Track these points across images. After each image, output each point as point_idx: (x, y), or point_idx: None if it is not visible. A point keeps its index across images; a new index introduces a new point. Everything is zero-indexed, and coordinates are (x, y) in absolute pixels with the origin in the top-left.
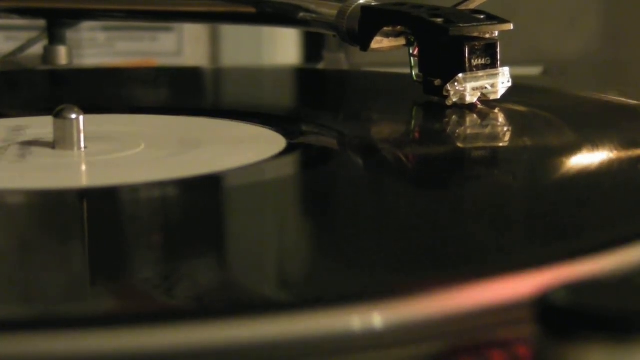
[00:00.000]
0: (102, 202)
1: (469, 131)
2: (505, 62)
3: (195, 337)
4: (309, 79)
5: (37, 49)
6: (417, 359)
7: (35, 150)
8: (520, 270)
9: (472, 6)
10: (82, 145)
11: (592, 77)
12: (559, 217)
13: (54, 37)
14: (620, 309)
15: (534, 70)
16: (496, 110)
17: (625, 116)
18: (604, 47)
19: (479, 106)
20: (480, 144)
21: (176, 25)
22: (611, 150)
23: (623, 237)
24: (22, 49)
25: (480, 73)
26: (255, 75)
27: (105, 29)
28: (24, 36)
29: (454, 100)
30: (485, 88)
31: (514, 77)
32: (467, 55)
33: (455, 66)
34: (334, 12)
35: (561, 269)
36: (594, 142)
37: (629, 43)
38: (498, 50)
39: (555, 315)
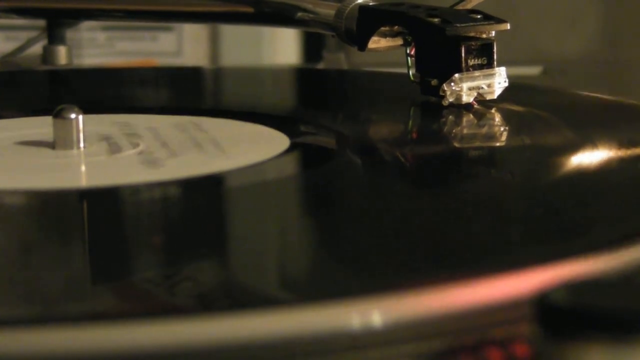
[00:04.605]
0: (102, 202)
1: (465, 131)
2: (504, 62)
3: (195, 335)
4: (309, 79)
5: (37, 49)
6: (417, 357)
7: (35, 150)
8: (520, 269)
9: (469, 6)
10: (82, 145)
11: (592, 77)
12: (559, 217)
13: (54, 37)
14: (620, 309)
15: (533, 70)
16: (492, 110)
17: (625, 116)
18: (604, 47)
19: (476, 106)
20: (477, 144)
21: (176, 25)
22: (611, 150)
23: (623, 237)
24: (22, 49)
25: (477, 73)
26: (255, 75)
27: (105, 29)
28: (24, 36)
29: (450, 100)
30: (482, 88)
31: (513, 77)
32: (463, 55)
33: (451, 66)
34: (332, 12)
35: (561, 268)
36: (593, 142)
37: (629, 43)
38: (495, 50)
39: (555, 315)
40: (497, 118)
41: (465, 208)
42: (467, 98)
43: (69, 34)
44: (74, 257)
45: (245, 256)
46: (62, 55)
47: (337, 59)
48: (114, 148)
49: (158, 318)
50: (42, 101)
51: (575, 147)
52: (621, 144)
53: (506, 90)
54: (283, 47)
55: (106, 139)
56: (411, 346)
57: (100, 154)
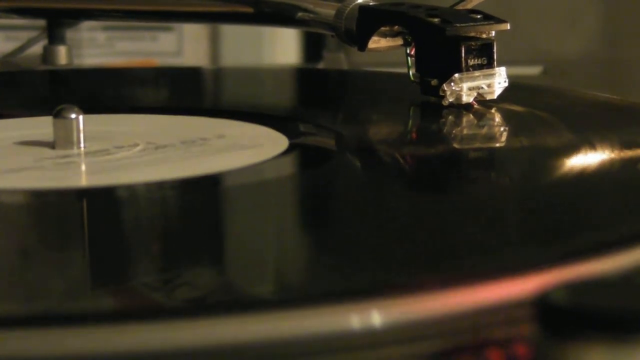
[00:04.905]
0: (102, 202)
1: (465, 131)
2: (504, 62)
3: (194, 335)
4: (309, 79)
5: (37, 49)
6: (416, 357)
7: (35, 150)
8: (520, 270)
9: (469, 6)
10: (82, 145)
11: (592, 77)
12: (559, 217)
13: (54, 37)
14: (621, 309)
15: (533, 70)
16: (493, 110)
17: (625, 116)
18: (604, 47)
19: (476, 106)
20: (477, 145)
21: (176, 25)
22: (611, 151)
23: (623, 237)
24: (22, 49)
25: (477, 73)
26: (255, 75)
27: (105, 29)
28: (24, 36)
29: (450, 100)
30: (482, 88)
31: (513, 77)
32: (463, 55)
33: (451, 66)
34: (332, 12)
35: (561, 269)
36: (593, 142)
37: (629, 43)
38: (495, 50)
39: (555, 315)
40: (497, 118)
41: (465, 208)
42: (467, 98)
43: (69, 34)
44: (72, 258)
45: (243, 257)
46: (62, 55)
47: (337, 59)
48: (113, 148)
49: (156, 320)
50: (42, 101)
51: (575, 148)
52: (621, 145)
53: (506, 90)
54: (283, 47)
55: (106, 139)
56: (411, 347)
57: (100, 154)
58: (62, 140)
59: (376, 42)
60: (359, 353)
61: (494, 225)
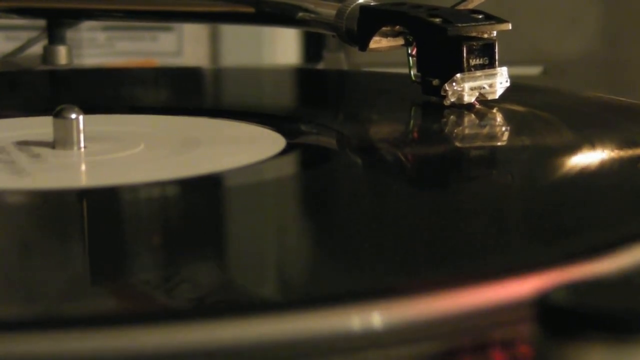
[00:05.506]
0: (102, 202)
1: (467, 131)
2: (505, 62)
3: (194, 337)
4: (309, 79)
5: (37, 49)
6: (417, 358)
7: (35, 150)
8: (521, 270)
9: (470, 6)
10: (82, 145)
11: (592, 77)
12: (559, 217)
13: (54, 37)
14: (621, 309)
15: (534, 70)
16: (494, 110)
17: (625, 116)
18: (604, 47)
19: (477, 106)
20: (479, 144)
21: (176, 25)
22: (611, 150)
23: (623, 237)
24: (22, 49)
25: (478, 73)
26: (255, 75)
27: (105, 29)
28: (24, 36)
29: (452, 100)
30: (483, 88)
31: (513, 77)
32: (465, 55)
33: (453, 66)
34: (333, 12)
35: (561, 269)
36: (593, 142)
37: (629, 43)
38: (496, 50)
39: (555, 315)
40: (499, 118)
41: (466, 209)
42: (469, 98)
43: (69, 34)
44: (72, 258)
45: (243, 258)
46: (62, 55)
47: (337, 59)
48: (113, 148)
49: (156, 322)
50: (42, 101)
51: (575, 148)
52: (621, 145)
53: (507, 90)
54: (283, 47)
55: (106, 139)
56: (412, 348)
57: (100, 154)
58: (62, 140)
59: (377, 42)
60: (359, 354)
61: (495, 225)
